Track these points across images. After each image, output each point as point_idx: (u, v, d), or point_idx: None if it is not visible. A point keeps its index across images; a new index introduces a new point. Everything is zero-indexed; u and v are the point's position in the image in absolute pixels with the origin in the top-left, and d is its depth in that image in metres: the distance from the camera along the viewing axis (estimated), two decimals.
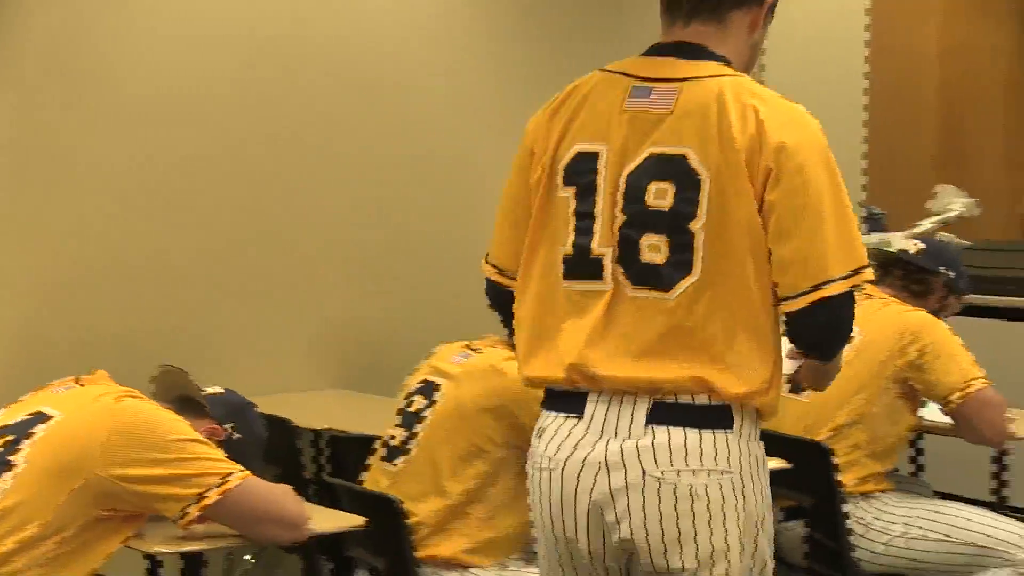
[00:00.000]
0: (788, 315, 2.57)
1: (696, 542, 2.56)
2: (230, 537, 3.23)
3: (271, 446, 4.45)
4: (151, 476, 3.11)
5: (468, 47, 5.58)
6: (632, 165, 2.61)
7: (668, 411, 2.56)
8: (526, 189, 2.77)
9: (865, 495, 4.18)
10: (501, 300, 2.85)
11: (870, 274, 2.57)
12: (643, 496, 2.55)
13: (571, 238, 2.65)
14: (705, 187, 2.55)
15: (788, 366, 2.74)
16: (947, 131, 6.84)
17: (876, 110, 6.62)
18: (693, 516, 2.56)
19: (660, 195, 2.57)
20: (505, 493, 3.62)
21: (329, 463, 4.45)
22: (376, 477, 3.75)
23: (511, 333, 2.81)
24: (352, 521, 3.45)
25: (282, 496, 3.21)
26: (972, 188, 6.18)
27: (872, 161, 6.61)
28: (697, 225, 2.55)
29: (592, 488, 2.59)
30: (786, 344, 2.67)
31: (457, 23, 5.56)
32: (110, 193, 4.84)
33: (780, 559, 4.33)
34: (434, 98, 5.51)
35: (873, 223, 6.07)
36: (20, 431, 3.15)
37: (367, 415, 4.51)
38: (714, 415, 2.57)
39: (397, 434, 3.73)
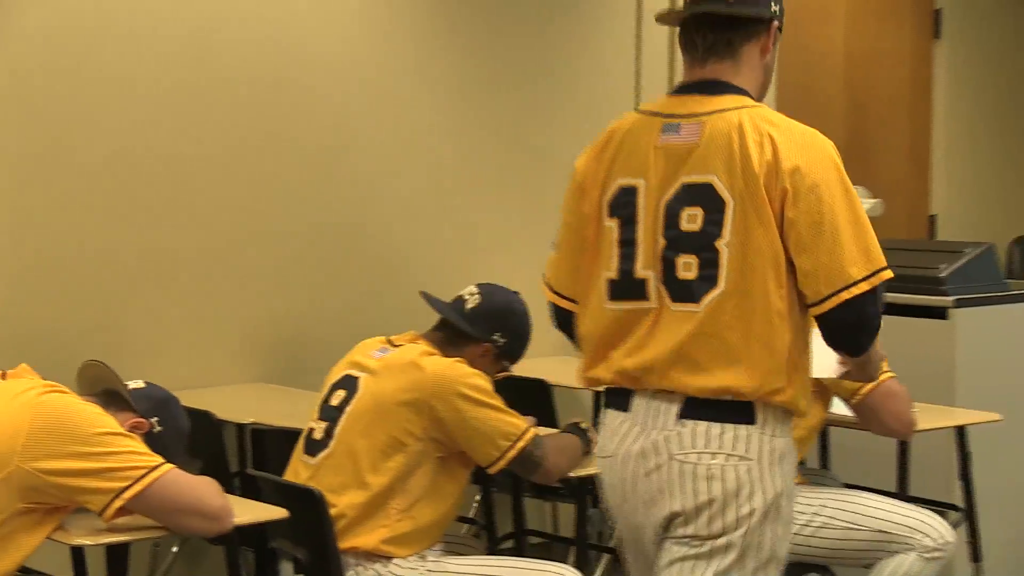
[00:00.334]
0: (817, 318, 2.82)
1: (712, 510, 2.83)
2: (154, 529, 3.21)
3: (195, 439, 4.40)
4: (74, 469, 3.08)
5: (390, 47, 5.54)
6: (668, 195, 2.87)
7: (696, 407, 2.84)
8: (580, 221, 3.03)
9: None
10: (565, 321, 3.15)
11: (889, 273, 2.80)
12: (672, 476, 2.84)
13: (616, 263, 2.93)
14: (729, 210, 2.81)
15: (837, 370, 3.08)
16: (852, 132, 6.88)
17: (784, 110, 6.63)
18: (710, 492, 2.82)
19: (691, 219, 2.84)
20: (424, 485, 3.60)
21: (253, 456, 4.41)
22: (298, 470, 3.72)
23: (579, 348, 3.09)
24: (274, 513, 3.43)
25: (204, 489, 3.18)
26: (876, 188, 6.22)
27: None
28: (722, 243, 2.80)
29: (638, 474, 2.89)
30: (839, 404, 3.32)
31: (378, 24, 5.51)
32: (32, 189, 4.77)
33: None
34: (356, 99, 5.46)
35: None
36: None
37: (290, 409, 4.47)
38: (736, 411, 2.83)
39: (318, 427, 3.70)
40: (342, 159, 5.43)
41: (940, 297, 5.10)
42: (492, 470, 3.68)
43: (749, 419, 2.84)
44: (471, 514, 5.04)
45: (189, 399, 4.55)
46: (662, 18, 3.11)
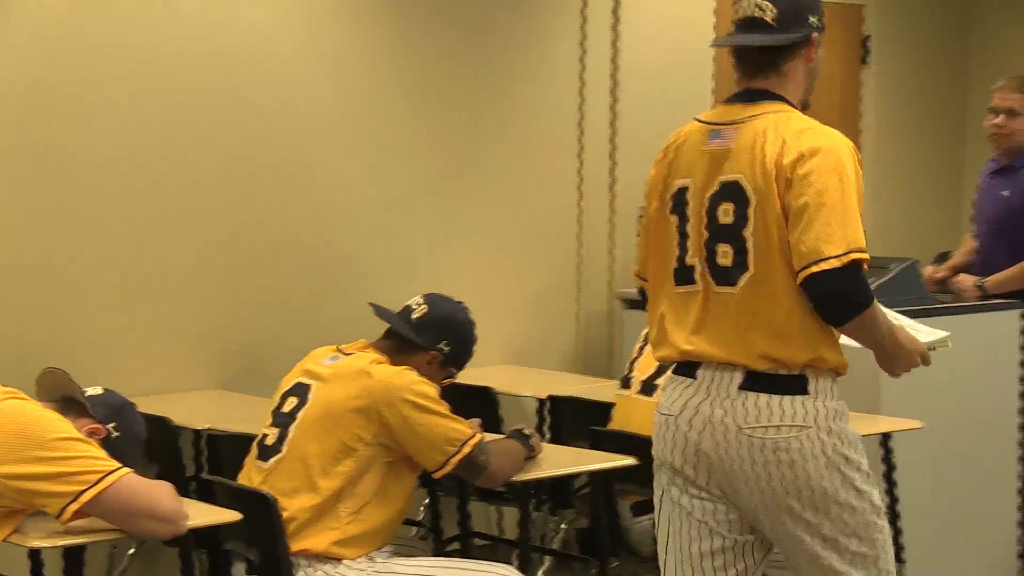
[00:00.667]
0: (801, 287, 3.01)
1: (782, 479, 3.07)
2: (110, 532, 3.19)
3: (152, 444, 4.38)
4: (33, 473, 3.07)
5: (341, 59, 5.51)
6: (710, 192, 3.14)
7: (756, 379, 3.07)
8: (650, 216, 3.31)
9: None
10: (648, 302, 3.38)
11: (863, 255, 2.99)
12: (735, 445, 3.08)
13: (676, 253, 3.21)
14: (752, 203, 3.07)
15: None
16: None
17: None
18: (779, 463, 3.06)
19: (725, 213, 3.11)
20: (373, 489, 3.59)
21: (208, 460, 4.38)
22: (251, 474, 3.70)
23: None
24: (227, 516, 3.41)
25: (160, 493, 3.16)
26: None
27: None
28: (748, 233, 3.07)
29: (699, 435, 3.13)
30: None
31: (327, 37, 5.48)
32: None
33: (630, 550, 4.33)
34: (308, 111, 5.44)
35: None
36: None
37: (244, 415, 4.45)
38: (791, 383, 3.07)
39: (271, 433, 3.69)
40: (295, 172, 5.40)
41: None
42: (438, 474, 3.67)
43: (803, 390, 3.08)
44: (419, 517, 5.02)
45: (147, 405, 4.52)
46: (716, 43, 3.45)
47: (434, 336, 3.76)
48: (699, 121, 3.26)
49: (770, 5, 3.16)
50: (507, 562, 3.90)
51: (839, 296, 2.99)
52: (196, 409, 4.76)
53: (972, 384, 5.36)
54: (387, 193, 5.64)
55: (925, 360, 3.32)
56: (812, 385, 3.09)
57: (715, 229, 3.13)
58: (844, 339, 3.20)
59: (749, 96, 3.20)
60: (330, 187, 5.50)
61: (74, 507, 3.06)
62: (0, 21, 4.72)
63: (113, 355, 4.95)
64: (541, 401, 5.21)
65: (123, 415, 3.45)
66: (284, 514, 3.51)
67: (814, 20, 3.21)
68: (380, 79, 5.61)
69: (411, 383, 3.60)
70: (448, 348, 3.78)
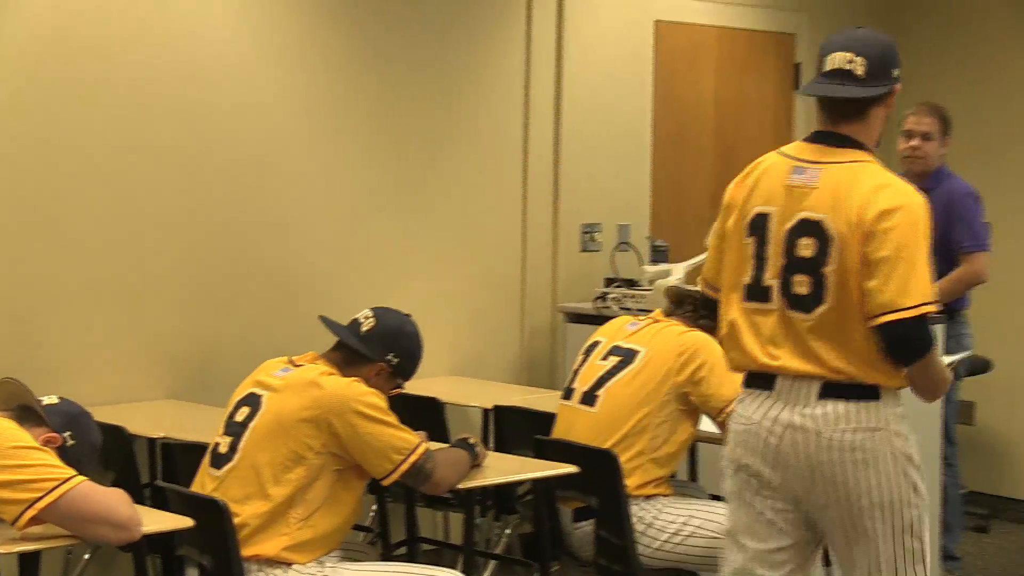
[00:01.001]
0: (872, 329, 3.23)
1: (855, 478, 3.27)
2: (65, 538, 3.16)
3: (108, 453, 4.33)
4: None
5: (294, 74, 5.48)
6: (789, 224, 3.32)
7: (832, 388, 3.27)
8: (724, 233, 3.47)
9: (647, 497, 4.20)
10: (716, 309, 3.54)
11: (932, 308, 3.23)
12: (815, 447, 3.27)
13: (751, 272, 3.38)
14: (834, 243, 3.25)
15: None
16: (721, 172, 6.92)
17: (660, 154, 6.70)
18: (854, 463, 3.26)
19: (806, 247, 3.29)
20: (323, 496, 3.57)
21: (162, 468, 4.34)
22: (204, 481, 3.67)
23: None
24: (180, 522, 3.39)
25: (114, 500, 3.14)
26: None
27: (656, 199, 6.68)
28: (828, 269, 3.26)
29: (779, 440, 3.31)
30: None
31: (282, 51, 5.45)
32: None
33: (571, 555, 4.32)
34: (262, 130, 5.41)
35: (657, 254, 6.13)
36: None
37: (197, 424, 4.41)
38: (864, 390, 3.27)
39: (223, 442, 3.66)
40: (249, 187, 5.37)
41: None
42: (386, 482, 3.65)
43: (875, 396, 3.28)
44: (367, 522, 4.99)
45: (103, 415, 4.47)
46: (807, 92, 3.54)
47: (382, 348, 3.74)
48: (783, 154, 3.44)
49: (861, 59, 3.34)
50: (453, 566, 3.89)
51: (909, 342, 3.24)
52: (151, 418, 4.71)
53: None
54: (338, 209, 5.62)
55: (949, 383, 3.50)
56: (882, 392, 3.29)
57: (793, 260, 3.31)
58: None
59: (833, 139, 3.38)
60: (282, 202, 5.46)
61: (30, 514, 3.03)
62: None
63: (70, 366, 4.89)
64: (486, 411, 5.20)
65: (79, 423, 3.41)
66: (236, 520, 3.48)
67: (896, 72, 3.39)
68: (335, 98, 5.59)
69: (360, 394, 3.58)
70: (395, 360, 3.76)
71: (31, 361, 4.72)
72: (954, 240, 5.54)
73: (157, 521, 3.35)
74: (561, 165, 6.30)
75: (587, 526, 4.23)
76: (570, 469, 4.03)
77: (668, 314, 4.44)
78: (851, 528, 3.32)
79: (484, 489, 4.49)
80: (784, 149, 3.46)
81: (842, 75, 3.35)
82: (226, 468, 3.61)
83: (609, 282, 6.06)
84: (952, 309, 5.70)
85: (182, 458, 4.12)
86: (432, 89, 5.87)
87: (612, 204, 6.47)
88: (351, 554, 3.86)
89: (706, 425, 4.32)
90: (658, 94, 6.66)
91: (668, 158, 6.75)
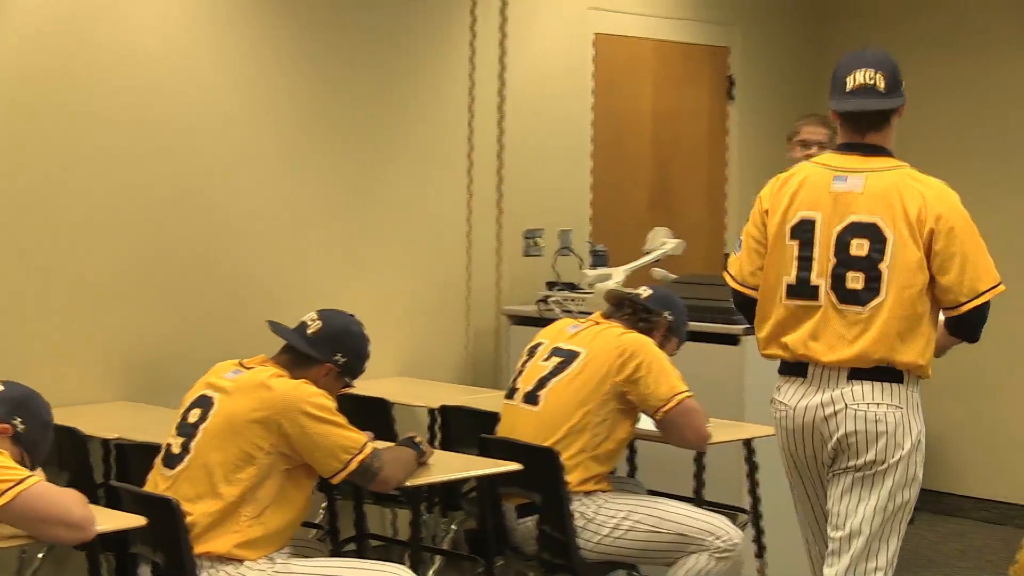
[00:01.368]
0: (952, 318, 3.62)
1: (879, 445, 3.57)
2: (20, 537, 3.12)
3: (63, 453, 4.29)
4: None
5: (241, 79, 5.43)
6: (839, 227, 3.58)
7: (861, 372, 3.57)
8: (761, 234, 3.73)
9: (588, 493, 4.20)
10: (744, 304, 3.83)
11: (1002, 287, 3.60)
12: (847, 418, 3.58)
13: (795, 272, 3.63)
14: (890, 242, 3.54)
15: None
16: (659, 180, 6.95)
17: (600, 163, 6.70)
18: (877, 431, 3.56)
19: (859, 247, 3.56)
20: (273, 494, 3.54)
21: (116, 469, 4.29)
22: (157, 481, 3.64)
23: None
24: (134, 521, 3.36)
25: (69, 500, 3.09)
26: (679, 230, 6.28)
27: (596, 205, 6.68)
28: (884, 266, 3.54)
29: (814, 419, 3.63)
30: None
31: (229, 55, 5.41)
32: None
33: (515, 549, 4.31)
34: (215, 136, 5.36)
35: (597, 258, 6.13)
36: None
37: (150, 425, 4.36)
38: (889, 373, 3.57)
39: (176, 442, 3.62)
40: (199, 193, 5.32)
41: (732, 325, 5.16)
42: (334, 480, 3.62)
43: (899, 379, 3.58)
44: (317, 519, 4.96)
45: (58, 416, 4.39)
46: (842, 109, 3.69)
47: (329, 349, 3.71)
48: (818, 164, 3.72)
49: (880, 75, 3.62)
50: (400, 562, 3.86)
51: (984, 319, 3.61)
52: (105, 420, 4.65)
53: None
54: (287, 214, 5.58)
55: None
56: (905, 377, 3.59)
57: (845, 258, 3.57)
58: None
59: (865, 149, 3.65)
60: (232, 208, 5.42)
61: None
62: None
63: (24, 369, 4.78)
64: (432, 411, 5.18)
65: (26, 407, 3.34)
66: (188, 519, 3.45)
67: (903, 85, 3.68)
68: (283, 105, 5.55)
69: (308, 395, 3.55)
70: (343, 360, 3.74)
71: None
72: None
73: (111, 520, 3.31)
74: (504, 173, 6.29)
75: (530, 521, 4.22)
76: (513, 467, 4.02)
77: (608, 316, 4.44)
78: (859, 491, 3.60)
79: (430, 486, 4.47)
80: (816, 160, 3.77)
81: (867, 91, 3.62)
82: (178, 468, 3.57)
83: (551, 286, 6.06)
84: None
85: (135, 458, 4.08)
86: (380, 98, 5.85)
87: (554, 211, 6.47)
88: (301, 550, 3.83)
89: (644, 423, 4.32)
90: (597, 105, 6.67)
91: (607, 166, 6.75)
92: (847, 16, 7.69)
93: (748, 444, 4.63)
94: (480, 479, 4.11)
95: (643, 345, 4.25)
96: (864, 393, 3.57)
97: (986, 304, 3.58)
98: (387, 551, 5.14)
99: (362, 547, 4.18)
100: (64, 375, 4.95)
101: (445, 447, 4.75)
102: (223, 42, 5.37)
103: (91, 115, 5.01)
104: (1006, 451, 6.94)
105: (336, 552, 4.30)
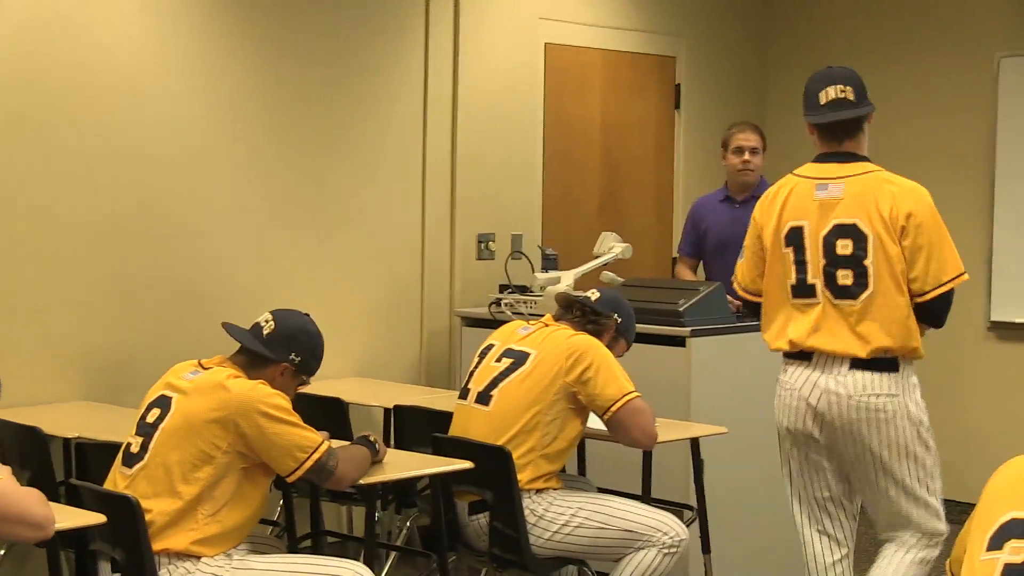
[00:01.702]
0: (920, 304, 3.87)
1: (878, 434, 3.90)
2: None
3: (24, 452, 4.25)
4: None
5: (200, 83, 5.41)
6: (824, 231, 3.91)
7: (860, 362, 3.88)
8: (760, 247, 4.08)
9: (539, 491, 4.19)
10: (752, 308, 4.21)
11: (966, 276, 3.89)
12: (846, 408, 3.90)
13: (794, 275, 3.98)
14: (870, 240, 3.85)
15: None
16: (608, 186, 6.97)
17: (551, 169, 6.71)
18: (878, 419, 3.89)
19: (844, 247, 3.89)
20: (230, 492, 3.52)
21: (77, 467, 4.25)
22: (116, 480, 3.61)
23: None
24: (93, 518, 3.33)
25: (30, 500, 3.05)
26: (627, 235, 6.30)
27: (547, 211, 6.69)
28: (868, 262, 3.86)
29: (817, 400, 3.95)
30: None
31: (188, 59, 5.39)
32: None
33: (467, 546, 4.31)
34: (175, 140, 5.33)
35: (548, 262, 6.13)
36: None
37: (110, 425, 4.33)
38: (886, 364, 3.89)
39: (135, 442, 3.60)
40: (159, 196, 5.30)
41: (678, 328, 5.17)
42: (291, 479, 3.61)
43: (895, 368, 3.89)
44: (274, 516, 4.94)
45: (19, 416, 4.40)
46: (818, 120, 3.96)
47: (284, 349, 3.70)
48: (801, 176, 4.01)
49: (850, 88, 3.94)
50: (356, 558, 3.85)
51: (948, 306, 3.90)
52: (66, 419, 4.62)
53: (770, 393, 5.43)
54: (245, 218, 5.56)
55: None
56: (901, 365, 3.90)
57: (833, 258, 3.89)
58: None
59: (841, 157, 3.96)
60: (191, 210, 5.39)
61: None
62: None
63: None
64: (387, 410, 5.17)
65: None
66: (146, 516, 3.42)
67: (867, 94, 3.98)
68: (240, 109, 5.53)
69: (265, 396, 3.54)
70: (298, 359, 3.72)
71: None
72: None
73: (71, 517, 3.28)
74: (458, 178, 6.29)
75: (482, 518, 4.22)
76: (466, 465, 4.02)
77: (558, 319, 4.45)
78: (870, 478, 3.95)
79: (385, 484, 4.45)
80: (799, 172, 4.03)
81: (839, 103, 3.93)
82: (137, 467, 3.55)
83: (503, 288, 6.06)
84: None
85: (95, 457, 4.03)
86: (335, 105, 5.84)
87: (506, 215, 6.47)
88: (258, 547, 3.81)
89: (594, 423, 4.33)
90: (548, 113, 6.68)
91: (558, 173, 6.76)
92: (790, 29, 7.75)
93: (694, 443, 4.65)
94: (433, 477, 4.10)
95: (592, 346, 4.25)
96: (865, 384, 3.89)
97: (950, 292, 3.86)
98: (343, 547, 5.13)
99: (318, 544, 4.16)
100: (25, 375, 4.91)
101: (399, 446, 4.74)
102: (181, 50, 5.34)
103: (50, 119, 4.97)
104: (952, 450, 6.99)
105: (292, 549, 4.27)
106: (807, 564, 4.18)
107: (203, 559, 3.49)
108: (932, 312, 3.90)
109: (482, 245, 6.38)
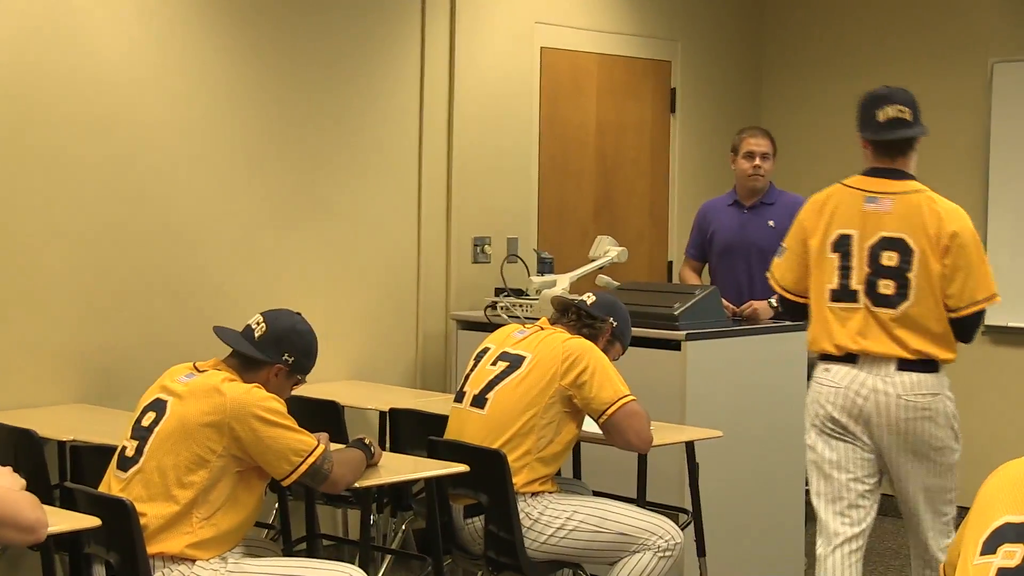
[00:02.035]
0: (952, 320, 4.09)
1: (923, 431, 4.11)
2: None
3: (18, 455, 4.22)
4: None
5: (194, 87, 5.39)
6: (871, 242, 4.11)
7: (906, 364, 4.09)
8: (805, 250, 4.25)
9: (534, 494, 4.18)
10: (793, 309, 4.37)
11: (998, 299, 4.12)
12: (895, 407, 4.09)
13: (837, 279, 4.16)
14: (916, 255, 4.06)
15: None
16: (603, 190, 6.96)
17: (546, 173, 6.70)
18: (923, 416, 4.09)
19: (889, 259, 4.09)
20: (225, 496, 3.50)
21: (71, 470, 4.23)
22: (111, 483, 3.59)
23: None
24: (88, 522, 3.31)
25: (22, 504, 3.02)
26: (623, 238, 6.29)
27: (543, 214, 6.68)
28: (911, 275, 4.07)
29: (864, 400, 4.12)
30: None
31: (188, 67, 5.37)
32: None
33: (462, 549, 4.29)
34: (167, 137, 5.31)
35: (543, 265, 6.11)
36: None
37: (105, 428, 4.31)
38: (929, 365, 4.10)
39: (130, 445, 3.57)
40: (153, 199, 5.27)
41: (674, 331, 5.16)
42: (285, 482, 3.59)
43: (935, 370, 4.11)
44: (269, 519, 4.92)
45: (14, 419, 4.38)
46: (883, 138, 4.15)
47: (276, 350, 3.67)
48: (849, 187, 4.19)
49: (908, 109, 4.14)
50: (351, 561, 3.83)
51: (979, 324, 4.12)
52: (61, 422, 4.59)
53: (765, 397, 5.44)
54: (241, 220, 5.54)
55: None
56: (939, 367, 4.12)
57: (877, 268, 4.09)
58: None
59: (891, 174, 4.15)
60: (186, 213, 5.37)
61: None
62: None
63: None
64: (383, 413, 5.15)
65: None
66: (141, 520, 3.40)
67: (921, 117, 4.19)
68: (234, 113, 5.51)
69: (260, 400, 3.52)
70: (291, 359, 3.70)
71: None
72: None
73: (65, 521, 3.26)
74: (454, 182, 6.27)
75: (477, 521, 4.20)
76: (461, 468, 4.00)
77: (553, 322, 4.43)
78: (908, 468, 4.14)
79: (380, 487, 4.44)
80: (847, 182, 4.21)
81: (898, 122, 4.13)
82: (132, 470, 3.52)
83: (498, 292, 6.04)
84: None
85: (90, 460, 4.02)
86: (331, 107, 5.82)
87: (501, 219, 6.46)
88: (254, 550, 3.79)
89: (589, 426, 4.31)
90: (544, 117, 6.66)
91: (553, 176, 6.75)
92: (785, 33, 7.74)
93: (689, 446, 4.63)
94: (429, 480, 4.08)
95: (588, 350, 4.24)
96: (914, 384, 4.08)
97: (982, 312, 4.10)
98: (338, 551, 5.11)
99: (313, 547, 4.15)
100: (20, 378, 4.89)
101: (394, 449, 4.73)
102: (175, 52, 5.32)
103: (44, 121, 4.94)
104: None
105: (288, 552, 4.26)
106: (822, 535, 4.23)
107: (198, 562, 3.47)
108: (963, 328, 4.11)
109: (478, 248, 6.36)
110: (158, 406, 3.57)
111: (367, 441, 3.86)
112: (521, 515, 4.11)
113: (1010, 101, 6.84)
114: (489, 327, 5.17)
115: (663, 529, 4.18)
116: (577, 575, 4.29)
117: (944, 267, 4.04)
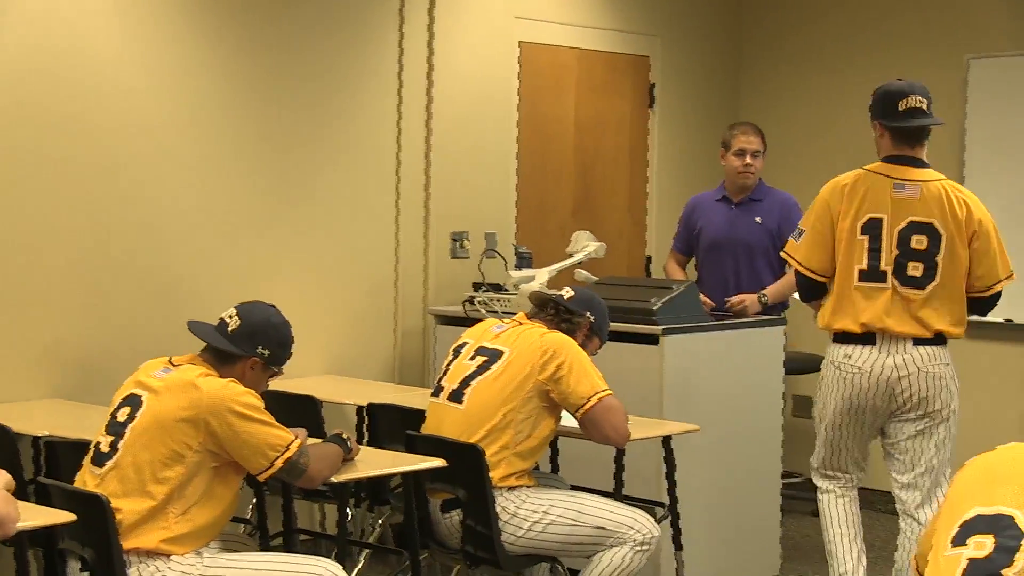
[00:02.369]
0: (975, 299, 4.50)
1: (942, 397, 4.49)
2: None
3: None
4: None
5: (173, 78, 5.35)
6: (900, 226, 4.41)
7: (920, 340, 4.44)
8: (830, 228, 4.50)
9: (511, 488, 4.17)
10: (812, 288, 4.60)
11: (1013, 276, 4.52)
12: (920, 379, 4.45)
13: (866, 260, 4.44)
14: (944, 239, 4.40)
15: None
16: (582, 186, 6.94)
17: (525, 168, 6.68)
18: (940, 387, 4.47)
19: (919, 242, 4.40)
20: (200, 491, 3.48)
21: (46, 465, 4.19)
22: (86, 478, 3.56)
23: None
24: (62, 517, 3.29)
25: None
26: (601, 234, 6.28)
27: (521, 209, 6.66)
28: (939, 257, 4.41)
29: (889, 378, 4.46)
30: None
31: (169, 65, 5.33)
32: None
33: (440, 543, 4.27)
34: (145, 134, 5.28)
35: (522, 260, 6.10)
36: None
37: (80, 423, 4.27)
38: (939, 339, 4.46)
39: (105, 441, 3.54)
40: (130, 196, 5.24)
41: (652, 326, 5.15)
42: (262, 477, 3.57)
43: (944, 343, 4.48)
44: (246, 514, 4.89)
45: None
46: (907, 123, 4.43)
47: (250, 344, 3.65)
48: (875, 173, 4.45)
49: (925, 100, 4.44)
50: (328, 556, 3.81)
51: (997, 300, 4.53)
52: (35, 417, 4.56)
53: (742, 391, 5.44)
54: (217, 214, 5.50)
55: None
56: (948, 341, 4.48)
57: (907, 251, 4.40)
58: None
59: (915, 162, 4.46)
60: (163, 209, 5.34)
61: None
62: None
63: None
64: (360, 408, 5.13)
65: None
66: (116, 515, 3.37)
67: None
68: (213, 108, 5.48)
69: (236, 395, 3.49)
70: (266, 352, 3.67)
71: None
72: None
73: (39, 516, 3.24)
74: (432, 177, 6.25)
75: (455, 516, 4.18)
76: (439, 463, 3.99)
77: (531, 317, 4.42)
78: (921, 427, 4.47)
79: (358, 482, 4.41)
80: (871, 168, 4.46)
81: (919, 111, 4.43)
82: (107, 466, 3.50)
83: (477, 287, 6.02)
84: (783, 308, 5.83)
85: (65, 456, 3.98)
86: (309, 102, 5.79)
87: (480, 214, 6.44)
88: (230, 545, 3.77)
89: (567, 420, 4.30)
90: (523, 111, 6.65)
91: (532, 171, 6.73)
92: (764, 28, 7.74)
93: (666, 441, 4.62)
94: (406, 475, 4.06)
95: (565, 345, 4.22)
96: (929, 357, 4.43)
97: (1002, 289, 4.50)
98: (315, 545, 5.08)
99: (290, 542, 4.12)
100: None
101: (372, 443, 4.70)
102: (154, 51, 5.28)
103: (19, 116, 4.90)
104: None
105: (265, 547, 4.23)
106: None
107: (174, 557, 3.45)
108: (987, 304, 4.53)
109: (456, 243, 6.34)
110: (133, 401, 3.55)
111: (344, 436, 3.84)
112: (499, 509, 4.10)
113: (985, 97, 6.85)
114: (467, 322, 5.16)
115: (640, 523, 4.17)
116: (554, 569, 4.28)
117: (972, 251, 4.41)
